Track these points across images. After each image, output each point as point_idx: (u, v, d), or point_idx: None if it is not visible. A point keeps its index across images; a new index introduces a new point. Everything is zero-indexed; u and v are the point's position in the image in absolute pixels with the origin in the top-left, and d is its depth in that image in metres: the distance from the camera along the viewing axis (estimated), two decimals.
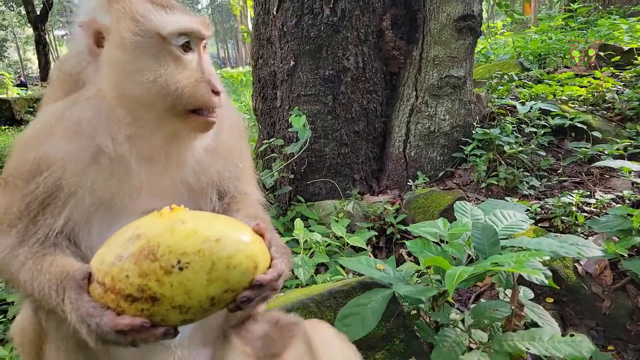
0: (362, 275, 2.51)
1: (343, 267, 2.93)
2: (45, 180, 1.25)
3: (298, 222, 3.00)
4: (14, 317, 3.05)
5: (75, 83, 1.32)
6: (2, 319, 3.05)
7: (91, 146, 1.28)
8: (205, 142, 1.39)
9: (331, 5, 3.90)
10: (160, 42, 1.25)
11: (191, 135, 1.33)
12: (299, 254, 2.92)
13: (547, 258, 1.78)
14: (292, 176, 4.04)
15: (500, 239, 2.05)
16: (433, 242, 2.21)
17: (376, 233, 3.46)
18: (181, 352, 1.56)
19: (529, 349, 1.66)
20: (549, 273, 1.90)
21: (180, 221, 1.08)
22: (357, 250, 3.34)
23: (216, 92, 1.30)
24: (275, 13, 4.18)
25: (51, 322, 1.31)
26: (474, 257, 2.09)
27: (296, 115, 3.69)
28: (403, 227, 3.58)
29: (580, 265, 2.82)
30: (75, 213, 1.28)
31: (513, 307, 1.89)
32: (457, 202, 2.46)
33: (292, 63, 4.08)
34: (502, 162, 3.95)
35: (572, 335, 1.70)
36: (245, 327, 1.19)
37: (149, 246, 1.03)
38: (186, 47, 1.29)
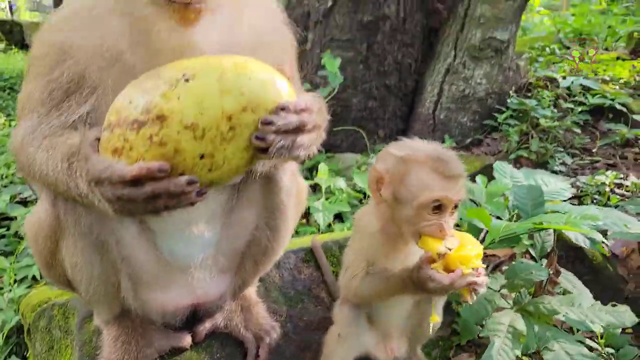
0: None
1: None
2: (69, 69, 1.13)
3: (323, 167, 2.89)
4: (16, 233, 3.00)
5: None
6: (5, 232, 3.00)
7: (108, 40, 1.13)
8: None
9: None
10: None
11: (174, 29, 1.05)
12: (320, 199, 2.82)
13: (600, 223, 1.68)
14: None
15: None
16: (469, 199, 2.10)
17: None
18: (199, 275, 1.47)
19: (567, 314, 1.57)
20: (601, 236, 1.78)
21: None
22: None
23: None
24: None
25: (70, 215, 1.20)
26: (514, 218, 1.98)
27: (330, 59, 3.51)
28: None
29: (607, 245, 2.72)
30: (102, 103, 1.15)
31: (550, 272, 1.79)
32: (497, 162, 2.33)
33: (330, 3, 3.87)
34: (535, 135, 3.79)
35: (614, 305, 1.61)
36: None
37: (152, 72, 0.95)
38: None
